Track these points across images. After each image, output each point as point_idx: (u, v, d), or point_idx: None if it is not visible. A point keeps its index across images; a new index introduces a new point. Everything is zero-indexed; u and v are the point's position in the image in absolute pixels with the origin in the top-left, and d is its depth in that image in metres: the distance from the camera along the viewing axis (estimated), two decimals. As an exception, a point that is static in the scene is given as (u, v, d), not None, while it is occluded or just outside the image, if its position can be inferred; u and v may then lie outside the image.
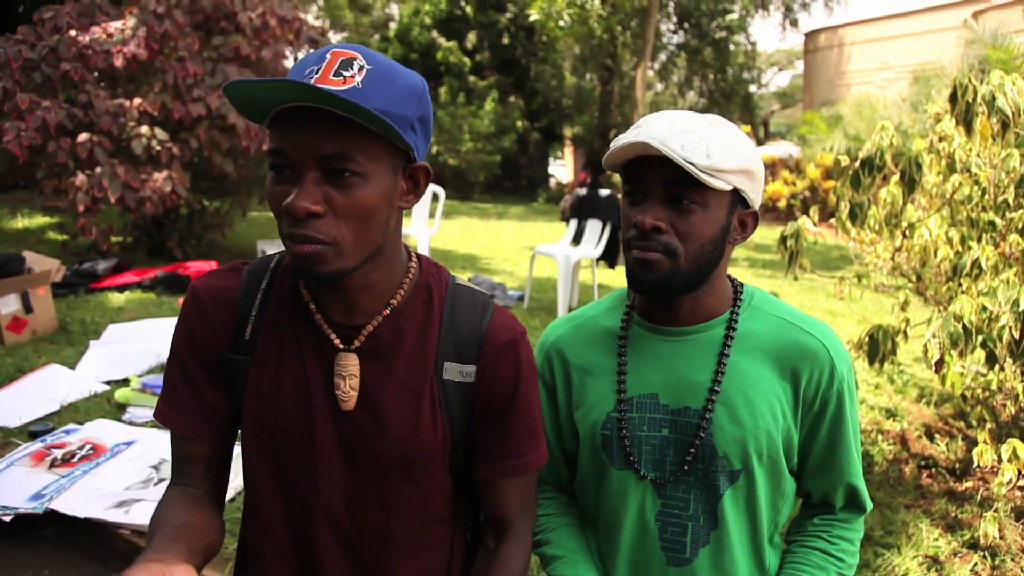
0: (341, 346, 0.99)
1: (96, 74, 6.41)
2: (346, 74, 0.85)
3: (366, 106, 0.82)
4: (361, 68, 0.86)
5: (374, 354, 1.00)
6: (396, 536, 1.04)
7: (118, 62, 6.14)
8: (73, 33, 6.23)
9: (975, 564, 2.57)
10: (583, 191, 8.30)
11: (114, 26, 6.35)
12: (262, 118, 0.90)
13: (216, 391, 1.05)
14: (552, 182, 24.68)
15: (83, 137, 5.87)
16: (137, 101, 6.22)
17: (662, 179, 1.04)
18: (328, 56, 0.87)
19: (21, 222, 9.36)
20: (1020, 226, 2.69)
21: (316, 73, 0.85)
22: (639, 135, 1.03)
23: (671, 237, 1.05)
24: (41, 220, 9.41)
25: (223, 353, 1.04)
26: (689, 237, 1.06)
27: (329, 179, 0.87)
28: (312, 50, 7.68)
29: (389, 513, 1.02)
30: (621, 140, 1.06)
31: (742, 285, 1.20)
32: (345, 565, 1.04)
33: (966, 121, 2.62)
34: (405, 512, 1.03)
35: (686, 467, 1.13)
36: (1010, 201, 2.77)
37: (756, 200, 1.11)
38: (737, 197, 1.08)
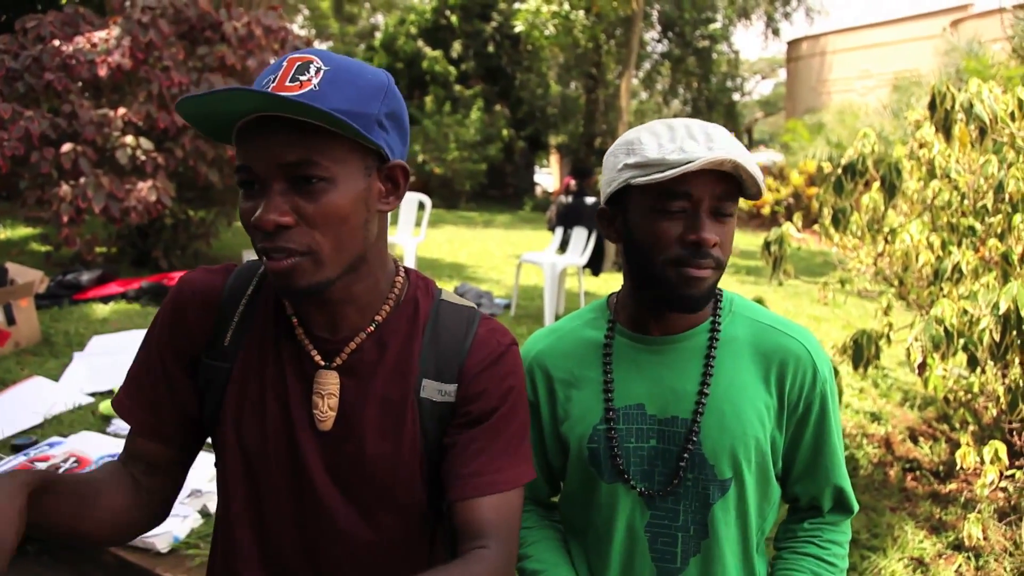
0: (322, 363, 0.96)
1: (80, 84, 6.36)
2: (302, 78, 0.83)
3: (322, 107, 0.80)
4: (318, 71, 0.84)
5: (354, 371, 0.97)
6: (370, 559, 1.00)
7: (102, 72, 6.11)
8: (57, 43, 6.20)
9: (959, 565, 2.59)
10: (568, 199, 8.33)
11: (98, 36, 6.32)
12: (227, 136, 0.88)
13: (184, 392, 1.01)
14: (538, 190, 24.75)
15: (67, 147, 5.82)
16: (122, 111, 6.18)
17: (711, 193, 1.03)
18: (284, 64, 0.85)
19: (4, 233, 9.25)
20: (999, 231, 2.73)
21: (273, 82, 0.84)
22: (720, 152, 0.99)
23: (719, 250, 1.05)
24: (24, 231, 9.31)
25: (198, 355, 1.00)
26: (726, 248, 1.07)
27: (296, 188, 0.84)
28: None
29: (366, 537, 0.99)
30: (705, 157, 0.98)
31: (721, 291, 1.20)
32: None
33: (945, 128, 2.67)
34: (382, 536, 0.99)
35: (676, 478, 1.12)
36: (989, 206, 2.82)
37: None
38: None
